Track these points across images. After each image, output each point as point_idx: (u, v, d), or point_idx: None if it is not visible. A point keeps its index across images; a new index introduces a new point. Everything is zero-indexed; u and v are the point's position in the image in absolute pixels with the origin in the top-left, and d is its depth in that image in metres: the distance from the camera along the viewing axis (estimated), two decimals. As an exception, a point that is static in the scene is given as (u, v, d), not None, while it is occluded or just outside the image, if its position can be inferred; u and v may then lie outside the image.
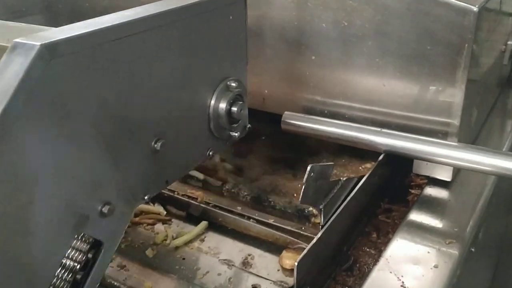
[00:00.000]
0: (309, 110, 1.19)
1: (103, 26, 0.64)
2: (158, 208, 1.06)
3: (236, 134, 0.94)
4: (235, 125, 0.93)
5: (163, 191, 1.11)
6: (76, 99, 0.62)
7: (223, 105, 0.88)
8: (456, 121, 1.01)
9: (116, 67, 0.67)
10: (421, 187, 1.09)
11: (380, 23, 1.02)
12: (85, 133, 0.64)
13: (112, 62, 0.66)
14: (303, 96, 1.19)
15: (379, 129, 1.08)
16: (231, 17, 0.87)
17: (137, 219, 1.04)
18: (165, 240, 0.98)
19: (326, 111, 1.18)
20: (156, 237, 0.99)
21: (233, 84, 0.89)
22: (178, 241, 0.96)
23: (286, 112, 1.21)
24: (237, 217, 1.03)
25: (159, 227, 1.02)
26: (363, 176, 1.01)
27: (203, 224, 1.01)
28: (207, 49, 0.84)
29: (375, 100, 1.09)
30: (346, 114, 1.15)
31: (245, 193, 1.15)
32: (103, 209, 0.69)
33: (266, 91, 1.27)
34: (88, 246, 0.69)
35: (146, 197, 0.78)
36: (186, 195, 1.10)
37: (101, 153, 0.68)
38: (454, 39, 0.96)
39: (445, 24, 0.96)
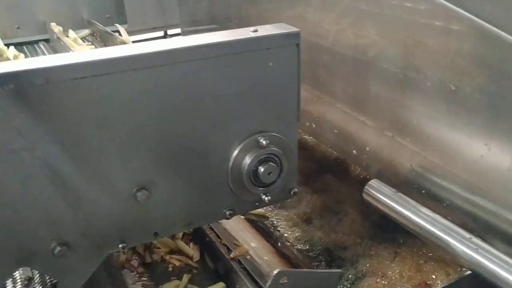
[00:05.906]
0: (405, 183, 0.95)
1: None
2: (190, 250, 0.97)
3: (267, 198, 0.79)
4: (266, 188, 0.78)
5: (209, 232, 1.03)
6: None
7: (247, 162, 0.75)
8: None
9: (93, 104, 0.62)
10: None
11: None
12: (34, 169, 0.60)
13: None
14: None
15: (469, 235, 0.78)
16: (277, 63, 0.72)
17: (166, 256, 0.97)
18: (173, 291, 0.89)
19: (423, 191, 0.92)
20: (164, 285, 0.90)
21: (264, 142, 0.74)
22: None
23: (373, 180, 0.99)
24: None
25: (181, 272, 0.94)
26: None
27: (218, 286, 0.88)
28: (239, 94, 0.72)
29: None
30: (446, 200, 0.86)
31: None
32: (55, 249, 0.65)
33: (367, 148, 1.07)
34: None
35: (121, 245, 0.71)
36: (225, 244, 0.98)
37: (54, 192, 0.63)
38: None
39: None
